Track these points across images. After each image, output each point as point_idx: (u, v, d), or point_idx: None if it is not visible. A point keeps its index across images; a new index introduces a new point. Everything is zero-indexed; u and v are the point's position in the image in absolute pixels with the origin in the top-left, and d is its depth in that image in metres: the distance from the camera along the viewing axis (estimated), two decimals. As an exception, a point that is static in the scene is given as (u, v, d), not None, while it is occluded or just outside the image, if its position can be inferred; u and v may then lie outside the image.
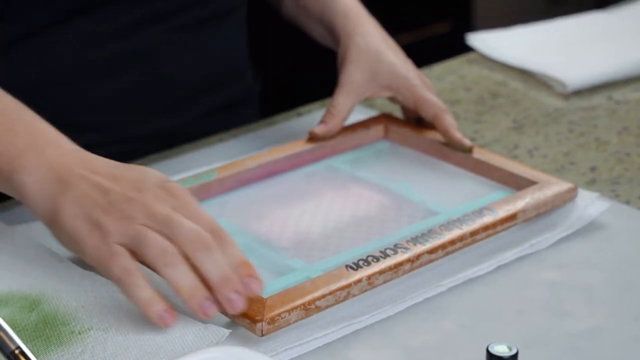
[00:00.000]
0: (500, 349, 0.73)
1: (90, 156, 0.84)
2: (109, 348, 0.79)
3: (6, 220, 0.95)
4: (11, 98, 0.87)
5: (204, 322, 0.81)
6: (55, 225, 0.82)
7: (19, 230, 0.93)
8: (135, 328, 0.81)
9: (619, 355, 0.80)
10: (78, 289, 0.85)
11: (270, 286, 0.84)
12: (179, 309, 0.83)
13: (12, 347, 0.66)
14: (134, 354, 0.78)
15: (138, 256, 0.79)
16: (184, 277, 0.77)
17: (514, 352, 0.72)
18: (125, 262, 0.78)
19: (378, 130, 1.09)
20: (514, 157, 1.09)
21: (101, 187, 0.80)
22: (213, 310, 0.77)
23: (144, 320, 0.81)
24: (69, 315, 0.82)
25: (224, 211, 0.96)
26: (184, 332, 0.80)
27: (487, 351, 0.73)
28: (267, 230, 0.94)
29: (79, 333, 0.80)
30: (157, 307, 0.78)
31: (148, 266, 0.79)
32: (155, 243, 0.78)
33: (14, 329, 0.80)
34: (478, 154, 1.02)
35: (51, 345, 0.79)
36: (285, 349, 0.80)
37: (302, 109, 1.21)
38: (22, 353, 0.66)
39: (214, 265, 0.78)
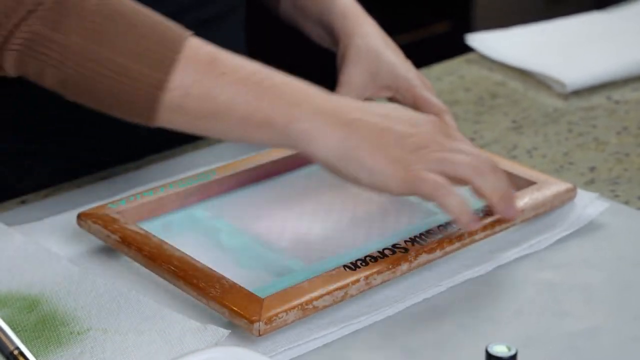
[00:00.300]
0: (499, 349, 0.72)
1: (348, 100, 0.89)
2: (108, 348, 0.79)
3: (6, 220, 0.95)
4: (250, 60, 0.89)
5: (203, 322, 0.81)
6: (350, 163, 0.85)
7: (18, 230, 0.93)
8: (134, 328, 0.81)
9: (618, 355, 0.80)
10: (77, 290, 0.85)
11: (269, 287, 0.84)
12: (177, 309, 0.83)
13: (11, 347, 0.66)
14: (133, 355, 0.78)
15: (442, 172, 0.85)
16: (488, 183, 0.87)
17: (513, 352, 0.72)
18: (434, 178, 0.84)
19: (377, 130, 1.09)
20: (513, 157, 1.09)
21: (382, 126, 0.86)
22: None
23: (144, 321, 0.81)
24: (68, 315, 0.82)
25: (223, 211, 0.96)
26: (183, 332, 0.80)
27: (486, 351, 0.73)
28: (266, 231, 0.94)
29: (78, 334, 0.80)
30: (467, 215, 0.86)
31: (457, 176, 0.86)
32: (460, 159, 0.86)
33: (13, 329, 0.79)
34: (477, 154, 1.02)
35: (50, 346, 0.79)
36: (284, 349, 0.80)
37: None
38: (21, 354, 0.66)
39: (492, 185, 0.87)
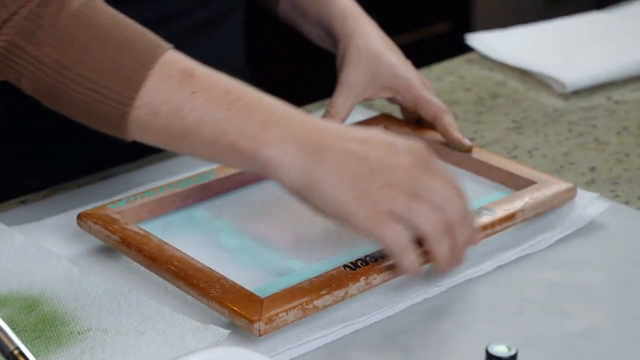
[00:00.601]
0: (499, 349, 0.72)
1: (327, 123, 0.85)
2: (109, 348, 0.79)
3: (6, 220, 0.95)
4: (229, 77, 0.87)
5: (203, 322, 0.81)
6: (313, 194, 0.82)
7: (18, 231, 0.93)
8: (134, 328, 0.81)
9: (618, 355, 0.80)
10: (77, 290, 0.85)
11: (269, 287, 0.84)
12: (177, 309, 0.83)
13: (11, 347, 0.66)
14: (133, 354, 0.78)
15: (405, 221, 0.82)
16: (442, 248, 0.83)
17: (513, 352, 0.72)
18: (397, 229, 0.81)
19: (377, 130, 1.09)
20: (514, 157, 1.09)
21: (357, 154, 0.82)
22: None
23: (144, 321, 0.81)
24: (68, 315, 0.82)
25: (223, 212, 0.96)
26: (183, 332, 0.80)
27: (486, 351, 0.72)
28: (266, 231, 0.94)
29: (79, 333, 0.80)
30: (414, 272, 0.83)
31: (416, 231, 0.82)
32: (426, 215, 0.82)
33: (13, 329, 0.79)
34: (477, 154, 1.02)
35: (50, 346, 0.79)
36: (285, 349, 0.80)
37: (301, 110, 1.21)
38: (21, 354, 0.66)
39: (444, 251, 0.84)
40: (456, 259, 0.85)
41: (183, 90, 0.84)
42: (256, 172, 0.84)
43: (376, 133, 0.85)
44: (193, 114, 0.83)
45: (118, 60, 0.84)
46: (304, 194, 0.82)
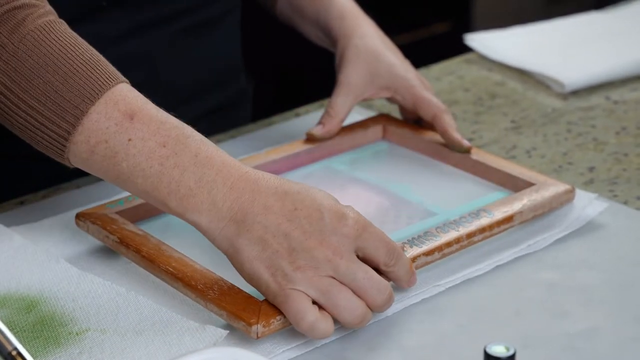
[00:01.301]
0: (497, 350, 0.72)
1: (259, 183, 0.82)
2: (107, 349, 0.79)
3: (4, 221, 0.95)
4: (175, 121, 0.85)
5: (201, 323, 0.81)
6: (235, 260, 0.81)
7: (16, 231, 0.93)
8: (133, 329, 0.81)
9: (617, 355, 0.80)
10: (76, 290, 0.85)
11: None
12: (175, 309, 0.83)
13: (9, 348, 0.66)
14: (131, 355, 0.78)
15: (320, 304, 0.79)
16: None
17: (511, 352, 0.72)
18: (301, 304, 0.78)
19: (376, 130, 1.09)
20: (512, 158, 1.09)
21: (279, 230, 0.80)
22: None
23: (142, 321, 0.81)
24: (67, 316, 0.82)
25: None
26: (181, 332, 0.80)
27: (485, 352, 0.72)
28: (265, 231, 0.94)
29: (77, 334, 0.80)
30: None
31: (332, 315, 0.80)
32: (345, 303, 0.79)
33: (11, 330, 0.80)
34: (476, 155, 1.02)
35: (49, 347, 0.79)
36: (283, 350, 0.80)
37: (300, 110, 1.21)
38: (19, 354, 0.66)
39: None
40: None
41: (120, 136, 0.83)
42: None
43: (309, 198, 0.81)
44: (126, 162, 0.83)
45: (62, 91, 0.84)
46: (229, 258, 0.82)
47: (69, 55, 0.85)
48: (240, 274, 0.82)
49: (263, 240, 0.80)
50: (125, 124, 0.83)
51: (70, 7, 1.03)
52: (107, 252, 0.92)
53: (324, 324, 0.79)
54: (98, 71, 0.85)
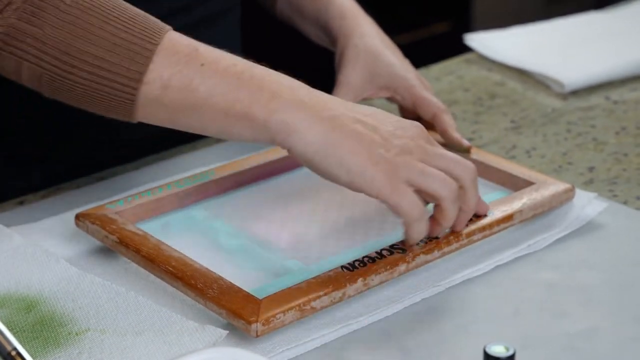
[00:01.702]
0: (497, 350, 0.72)
1: (332, 97, 0.87)
2: (107, 349, 0.79)
3: (4, 221, 0.95)
4: (232, 55, 0.87)
5: (201, 322, 0.81)
6: (329, 159, 0.83)
7: (16, 231, 0.93)
8: (132, 329, 0.81)
9: (616, 356, 0.80)
10: (75, 290, 0.85)
11: (268, 287, 0.84)
12: (175, 309, 0.83)
13: (9, 348, 0.66)
14: (131, 355, 0.78)
15: (421, 186, 0.84)
16: (453, 212, 0.86)
17: (511, 352, 0.72)
18: (414, 198, 0.83)
19: (376, 130, 1.08)
20: (512, 158, 1.09)
21: (368, 124, 0.84)
22: None
23: (142, 321, 0.81)
24: (66, 316, 0.82)
25: (222, 212, 0.96)
26: (181, 332, 0.80)
27: (484, 352, 0.72)
28: (265, 231, 0.94)
29: (77, 334, 0.80)
30: (415, 243, 0.86)
31: (431, 197, 0.85)
32: (441, 180, 0.84)
33: (11, 330, 0.80)
34: (476, 154, 1.02)
35: (48, 347, 0.79)
36: (283, 350, 0.80)
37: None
38: (19, 354, 0.66)
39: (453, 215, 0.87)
40: (461, 224, 0.88)
41: (191, 63, 0.84)
42: (269, 140, 0.84)
43: (379, 110, 0.87)
44: (203, 85, 0.84)
45: (124, 37, 0.85)
46: (319, 160, 0.83)
47: (120, 7, 0.86)
48: (337, 173, 0.83)
49: (357, 133, 0.83)
50: (192, 54, 0.85)
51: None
52: (107, 252, 0.92)
53: (425, 222, 0.85)
54: (150, 19, 0.87)
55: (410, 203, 0.83)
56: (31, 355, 0.70)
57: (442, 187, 0.84)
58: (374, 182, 0.82)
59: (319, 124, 0.83)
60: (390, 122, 0.86)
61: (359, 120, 0.84)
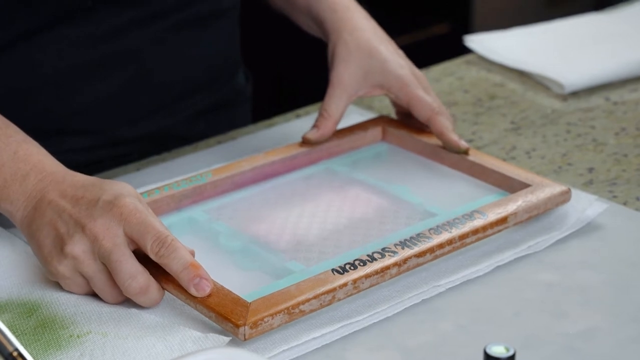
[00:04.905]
0: (497, 350, 0.73)
1: (66, 176, 0.89)
2: (108, 351, 0.79)
3: (5, 224, 0.95)
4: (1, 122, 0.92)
5: (203, 324, 0.81)
6: (30, 243, 0.88)
7: (17, 235, 0.93)
8: (134, 333, 0.81)
9: (616, 356, 0.80)
10: (77, 295, 0.85)
11: (268, 289, 0.84)
12: (178, 319, 0.83)
13: (10, 349, 0.66)
14: (133, 357, 0.78)
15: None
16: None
17: (511, 353, 0.72)
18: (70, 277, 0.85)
19: (376, 132, 1.09)
20: (512, 159, 1.09)
21: (63, 213, 0.86)
22: None
23: (143, 326, 0.81)
24: (68, 319, 0.82)
25: (222, 214, 0.96)
26: (183, 340, 0.80)
27: (485, 352, 0.73)
28: (265, 233, 0.94)
29: (78, 337, 0.80)
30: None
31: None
32: (102, 286, 0.84)
33: (12, 333, 0.80)
34: (473, 156, 1.02)
35: (50, 349, 0.79)
36: (282, 350, 0.80)
37: (300, 111, 1.21)
38: (20, 355, 0.66)
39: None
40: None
41: None
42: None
43: (97, 189, 0.87)
44: None
45: None
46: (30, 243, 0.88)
47: None
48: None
49: (49, 224, 0.86)
50: None
51: (56, 7, 1.03)
52: (108, 253, 0.92)
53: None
54: None
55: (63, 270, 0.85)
56: (33, 357, 0.70)
57: (102, 295, 0.85)
58: (50, 271, 0.86)
59: (28, 214, 0.88)
60: (84, 203, 0.86)
61: (58, 207, 0.86)
